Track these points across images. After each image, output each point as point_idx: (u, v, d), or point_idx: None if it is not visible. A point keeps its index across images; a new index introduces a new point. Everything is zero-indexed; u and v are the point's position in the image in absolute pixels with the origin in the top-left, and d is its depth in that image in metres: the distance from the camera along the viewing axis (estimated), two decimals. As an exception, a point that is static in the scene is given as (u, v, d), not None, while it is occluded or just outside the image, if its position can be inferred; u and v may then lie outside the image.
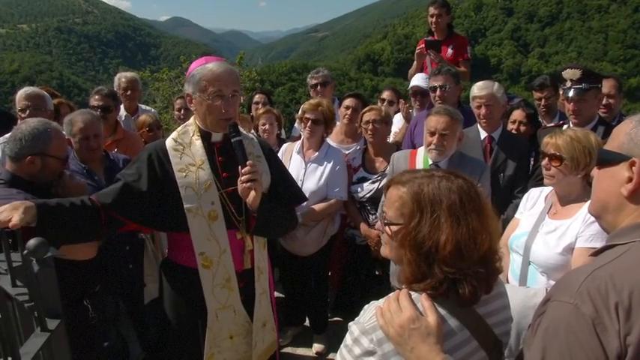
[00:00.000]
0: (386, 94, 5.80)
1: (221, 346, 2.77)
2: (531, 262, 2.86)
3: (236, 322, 2.80)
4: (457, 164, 3.57)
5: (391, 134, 5.43)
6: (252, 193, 2.59)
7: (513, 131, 4.60)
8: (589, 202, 2.77)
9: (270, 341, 3.01)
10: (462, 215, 1.48)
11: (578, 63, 4.56)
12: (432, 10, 5.93)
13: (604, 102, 4.36)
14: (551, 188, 3.05)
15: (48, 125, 2.83)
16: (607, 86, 4.40)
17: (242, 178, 2.56)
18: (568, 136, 2.79)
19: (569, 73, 3.66)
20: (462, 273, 1.46)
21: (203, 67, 2.61)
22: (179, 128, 2.80)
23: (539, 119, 5.00)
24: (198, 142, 2.72)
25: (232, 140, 2.63)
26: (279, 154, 4.40)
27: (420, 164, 3.69)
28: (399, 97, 5.81)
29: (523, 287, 2.84)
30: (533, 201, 3.10)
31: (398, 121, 5.50)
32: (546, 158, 2.83)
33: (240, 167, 2.60)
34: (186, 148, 2.69)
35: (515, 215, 3.17)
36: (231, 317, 2.77)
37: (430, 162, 3.64)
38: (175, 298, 2.78)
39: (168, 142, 2.72)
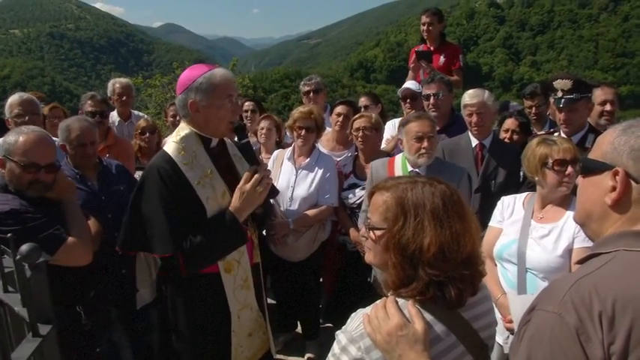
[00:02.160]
0: (362, 100, 5.71)
1: (243, 345, 2.86)
2: (529, 269, 2.86)
3: (252, 319, 2.91)
4: (436, 170, 3.62)
5: (383, 141, 5.45)
6: (264, 192, 2.72)
7: (506, 140, 4.62)
8: (573, 202, 2.83)
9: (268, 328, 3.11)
10: (445, 218, 1.50)
11: (568, 72, 4.57)
12: (424, 18, 5.97)
13: (608, 109, 4.32)
14: (525, 194, 3.10)
15: (19, 132, 2.79)
16: (610, 93, 4.38)
17: (258, 177, 2.65)
18: (570, 141, 2.87)
19: (561, 84, 3.67)
20: (447, 275, 1.47)
21: (212, 74, 2.62)
22: (175, 139, 2.71)
23: (531, 127, 5.03)
24: (202, 152, 2.72)
25: (242, 142, 2.74)
26: (271, 161, 4.41)
27: (399, 171, 3.74)
28: (376, 101, 5.80)
29: (524, 295, 2.81)
30: (511, 209, 3.11)
31: (390, 128, 5.51)
32: (569, 165, 2.81)
33: (250, 167, 2.72)
34: (194, 160, 2.67)
35: (493, 225, 3.15)
36: (249, 315, 2.87)
37: (409, 168, 3.69)
38: (195, 307, 2.76)
39: (175, 156, 2.64)
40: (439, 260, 1.47)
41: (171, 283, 2.80)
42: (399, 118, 5.50)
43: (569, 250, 2.79)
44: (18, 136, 2.75)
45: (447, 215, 1.51)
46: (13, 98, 4.23)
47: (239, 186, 2.64)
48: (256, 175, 2.61)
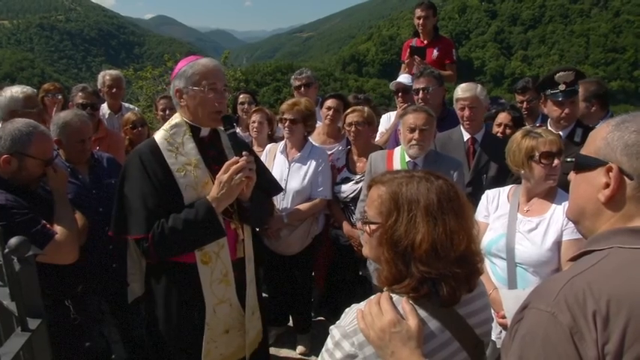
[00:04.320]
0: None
1: (217, 341, 2.80)
2: (518, 263, 2.86)
3: (232, 316, 2.84)
4: (433, 162, 3.64)
5: (377, 134, 5.44)
6: (248, 184, 2.67)
7: (499, 134, 4.63)
8: (558, 194, 2.84)
9: (258, 328, 3.04)
10: (439, 215, 1.48)
11: (564, 65, 4.62)
12: (419, 12, 5.96)
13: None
14: (509, 187, 3.11)
15: (32, 128, 2.77)
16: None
17: (236, 166, 2.59)
18: (554, 133, 2.88)
19: (564, 76, 3.67)
20: (439, 273, 1.46)
21: (195, 62, 2.67)
22: (166, 126, 2.79)
23: (524, 122, 5.04)
24: (190, 141, 2.74)
25: (227, 132, 2.72)
26: (263, 155, 4.40)
27: (397, 163, 3.74)
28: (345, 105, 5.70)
29: (523, 290, 2.81)
30: (496, 203, 3.11)
31: (385, 122, 5.51)
32: (555, 158, 2.82)
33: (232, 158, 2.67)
34: (179, 148, 2.71)
35: (479, 219, 3.13)
36: (227, 311, 2.81)
37: (407, 159, 3.69)
38: (171, 296, 2.75)
39: (160, 142, 2.71)
40: (431, 257, 1.46)
41: (152, 272, 2.82)
42: (394, 112, 5.51)
43: (557, 243, 2.80)
44: (30, 134, 2.75)
45: (441, 212, 1.49)
46: (17, 93, 3.96)
47: (217, 175, 2.64)
48: (234, 166, 2.58)
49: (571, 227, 2.72)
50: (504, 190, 3.15)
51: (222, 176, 2.59)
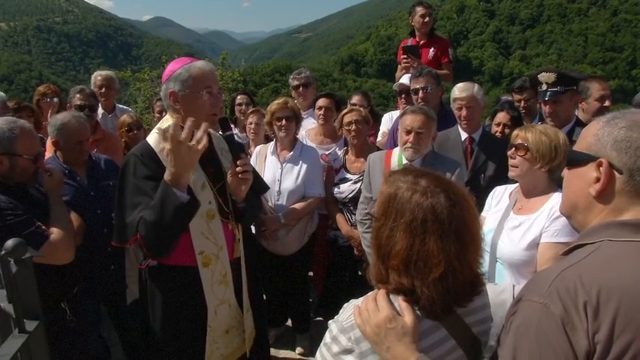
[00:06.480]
0: (356, 99, 5.61)
1: (219, 341, 2.82)
2: (498, 258, 2.88)
3: (231, 316, 2.86)
4: (431, 163, 3.62)
5: (380, 134, 5.45)
6: (243, 186, 2.66)
7: (497, 134, 4.63)
8: (553, 195, 2.85)
9: (252, 326, 3.04)
10: (419, 234, 1.43)
11: (553, 67, 4.64)
12: (421, 10, 5.96)
13: (607, 104, 4.27)
14: (515, 185, 3.10)
15: (13, 124, 2.75)
16: (607, 87, 4.33)
17: (237, 169, 2.59)
18: (537, 130, 2.89)
19: (545, 77, 3.75)
20: (411, 290, 1.45)
21: (191, 65, 2.66)
22: (157, 129, 2.77)
23: (523, 121, 5.04)
24: None
25: (224, 134, 2.71)
26: (254, 157, 4.41)
27: (394, 164, 3.73)
28: (369, 101, 5.76)
29: (491, 284, 2.82)
30: (499, 198, 3.14)
31: (387, 121, 5.50)
32: (512, 148, 2.88)
33: (232, 161, 2.66)
34: None
35: (482, 213, 3.16)
36: (227, 312, 2.83)
37: (404, 161, 3.68)
38: (171, 299, 2.74)
39: (155, 146, 2.68)
40: (402, 272, 1.46)
41: (150, 275, 2.80)
42: (396, 111, 5.50)
43: (535, 244, 2.78)
44: (13, 131, 2.72)
45: (422, 231, 1.44)
46: None
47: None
48: (169, 133, 2.27)
49: (551, 230, 2.70)
50: (510, 188, 3.16)
51: (164, 144, 2.33)
